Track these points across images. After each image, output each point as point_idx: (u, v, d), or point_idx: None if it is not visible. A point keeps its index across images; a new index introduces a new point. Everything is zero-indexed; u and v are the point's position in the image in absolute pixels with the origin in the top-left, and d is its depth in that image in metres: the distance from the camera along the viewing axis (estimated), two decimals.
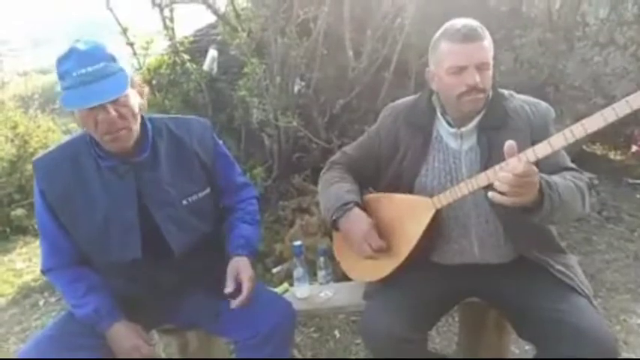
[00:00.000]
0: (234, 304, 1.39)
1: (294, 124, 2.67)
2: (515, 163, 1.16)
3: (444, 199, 1.40)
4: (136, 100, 1.34)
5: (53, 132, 5.29)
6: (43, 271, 1.48)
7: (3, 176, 4.56)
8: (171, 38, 3.25)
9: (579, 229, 3.19)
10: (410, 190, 1.50)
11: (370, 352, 1.45)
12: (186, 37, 3.55)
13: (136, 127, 1.36)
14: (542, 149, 1.19)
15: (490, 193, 1.21)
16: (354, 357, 2.20)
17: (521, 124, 1.44)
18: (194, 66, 3.19)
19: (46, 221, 1.41)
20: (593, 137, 1.33)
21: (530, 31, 3.57)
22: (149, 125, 1.43)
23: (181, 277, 1.49)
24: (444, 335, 2.32)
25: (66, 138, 1.48)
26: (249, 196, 1.63)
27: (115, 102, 1.26)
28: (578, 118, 1.45)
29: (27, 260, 3.75)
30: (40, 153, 1.45)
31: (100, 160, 1.38)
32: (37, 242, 4.04)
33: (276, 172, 3.01)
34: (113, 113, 1.27)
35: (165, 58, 3.40)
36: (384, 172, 1.58)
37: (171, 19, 3.24)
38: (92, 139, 1.37)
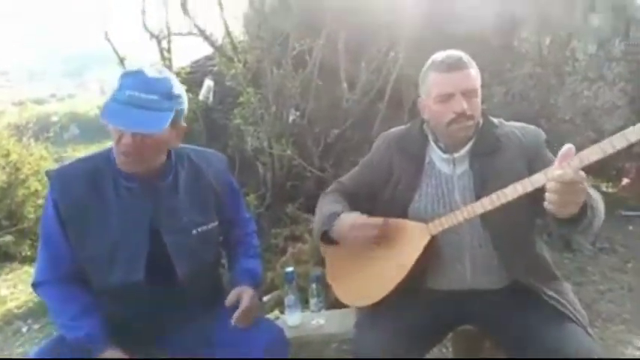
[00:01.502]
0: (234, 317, 1.41)
1: (289, 152, 2.69)
2: (564, 171, 1.11)
3: (439, 225, 1.40)
4: (169, 138, 1.35)
5: (45, 160, 5.31)
6: (34, 284, 1.44)
7: None
8: (168, 67, 3.30)
9: (573, 259, 3.20)
10: (404, 216, 1.50)
11: None
12: (182, 68, 3.60)
13: (156, 159, 1.38)
14: (592, 153, 1.13)
15: (545, 204, 1.16)
16: None
17: (513, 149, 1.46)
18: (190, 96, 3.22)
19: (52, 231, 1.38)
20: (586, 170, 1.34)
21: (521, 66, 3.66)
22: (173, 153, 1.45)
23: (179, 305, 1.47)
24: None
25: (87, 153, 1.48)
26: (251, 230, 1.67)
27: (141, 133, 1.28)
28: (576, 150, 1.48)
29: (12, 287, 3.68)
30: (57, 165, 1.45)
31: (122, 179, 1.38)
32: (24, 269, 4.02)
33: (269, 199, 3.01)
34: (138, 141, 1.28)
35: None
36: (378, 199, 1.58)
37: (169, 50, 3.30)
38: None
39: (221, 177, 1.55)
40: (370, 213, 1.55)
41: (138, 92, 1.26)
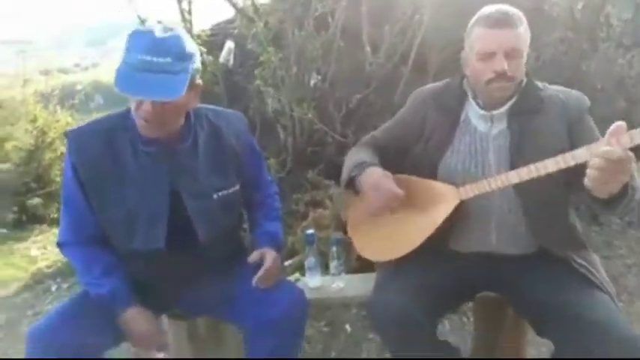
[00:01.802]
0: (256, 278, 1.42)
1: (310, 115, 2.65)
2: (612, 148, 1.05)
3: (470, 190, 1.37)
4: (188, 100, 1.32)
5: (71, 126, 5.36)
6: (59, 244, 1.45)
7: (21, 165, 4.63)
8: (189, 30, 3.26)
9: (600, 233, 3.13)
10: (434, 172, 1.47)
11: (377, 333, 1.42)
12: (203, 31, 3.56)
13: (177, 122, 1.35)
14: (639, 133, 1.07)
15: (585, 180, 1.11)
16: (365, 353, 2.16)
17: (555, 111, 1.41)
18: (210, 58, 3.19)
19: (73, 194, 1.38)
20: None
21: (552, 31, 3.51)
22: (192, 114, 1.42)
23: (200, 267, 1.47)
24: (458, 334, 2.26)
25: (104, 114, 1.45)
26: (272, 192, 1.65)
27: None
28: (599, 122, 1.42)
29: (42, 248, 3.80)
30: (72, 123, 1.45)
31: (140, 144, 1.36)
32: (52, 230, 4.13)
33: (290, 165, 2.99)
34: (159, 107, 1.25)
35: None
36: (409, 154, 1.55)
37: (189, 12, 3.25)
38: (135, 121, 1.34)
39: (242, 137, 1.52)
40: (401, 167, 1.52)
41: (150, 56, 1.20)
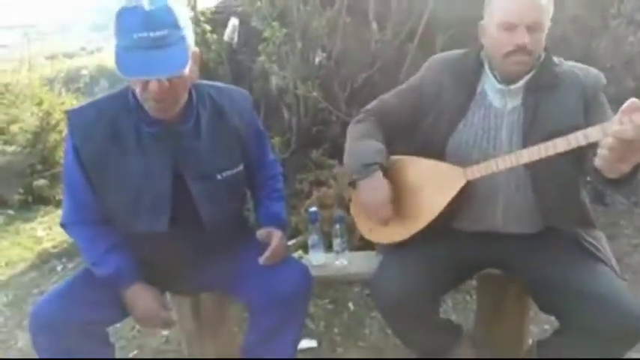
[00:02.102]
0: (263, 258, 1.42)
1: (314, 94, 2.62)
2: (624, 128, 1.01)
3: (477, 171, 1.33)
4: (190, 70, 1.28)
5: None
6: (62, 225, 1.45)
7: (27, 147, 4.63)
8: (193, 8, 3.22)
9: (606, 212, 3.11)
10: (443, 145, 1.43)
11: (379, 312, 1.42)
12: (207, 9, 3.52)
13: (185, 97, 1.32)
14: None
15: (596, 160, 1.09)
16: (367, 330, 2.17)
17: (572, 88, 1.37)
18: (215, 37, 3.15)
19: (74, 176, 1.36)
20: None
21: (563, 7, 3.44)
22: (194, 93, 1.39)
23: (205, 249, 1.46)
24: (461, 313, 2.27)
25: (105, 94, 1.42)
26: (276, 172, 1.63)
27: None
28: (608, 102, 1.39)
29: (47, 229, 3.81)
30: (76, 105, 1.42)
31: (144, 125, 1.33)
32: (57, 212, 4.15)
33: (294, 145, 2.97)
34: (166, 85, 1.21)
35: None
36: (420, 124, 1.50)
37: None
38: (137, 102, 1.31)
39: (245, 116, 1.48)
40: (409, 137, 1.49)
41: (146, 32, 1.16)
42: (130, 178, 1.34)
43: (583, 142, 1.15)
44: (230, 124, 1.44)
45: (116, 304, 1.37)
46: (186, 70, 1.24)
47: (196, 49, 1.33)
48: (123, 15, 1.18)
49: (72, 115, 1.35)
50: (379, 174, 1.41)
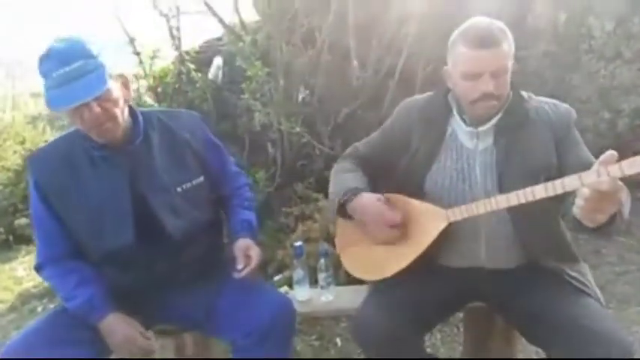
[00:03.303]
0: (242, 273, 1.43)
1: (298, 129, 2.66)
2: (601, 179, 1.00)
3: (459, 213, 1.34)
4: (119, 92, 1.34)
5: None
6: (36, 268, 1.46)
7: (8, 186, 4.57)
8: (177, 48, 3.28)
9: (589, 240, 3.13)
10: (420, 188, 1.45)
11: (362, 350, 1.40)
12: (192, 48, 3.58)
13: (123, 117, 1.36)
14: (629, 165, 0.99)
15: (574, 208, 1.09)
16: None
17: (542, 125, 1.39)
18: (199, 75, 3.20)
19: (40, 212, 1.41)
20: (603, 152, 1.27)
21: (535, 43, 3.57)
22: (140, 116, 1.44)
23: (176, 264, 1.47)
24: (449, 345, 2.25)
25: (59, 135, 1.50)
26: (243, 183, 1.68)
27: (97, 98, 1.27)
28: (584, 133, 1.42)
29: (28, 269, 3.73)
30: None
31: (94, 150, 1.39)
32: None
33: (279, 179, 2.99)
34: (97, 110, 1.28)
35: (172, 67, 3.42)
36: (395, 168, 1.53)
37: (178, 29, 3.28)
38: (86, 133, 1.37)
39: (197, 133, 1.54)
40: (386, 180, 1.51)
41: (62, 68, 1.24)
42: (90, 201, 1.39)
43: (560, 191, 1.14)
44: (181, 139, 1.49)
45: (94, 341, 1.35)
46: (113, 92, 1.30)
47: (126, 74, 1.41)
48: (41, 60, 1.27)
49: (30, 159, 1.44)
50: (365, 193, 1.44)
